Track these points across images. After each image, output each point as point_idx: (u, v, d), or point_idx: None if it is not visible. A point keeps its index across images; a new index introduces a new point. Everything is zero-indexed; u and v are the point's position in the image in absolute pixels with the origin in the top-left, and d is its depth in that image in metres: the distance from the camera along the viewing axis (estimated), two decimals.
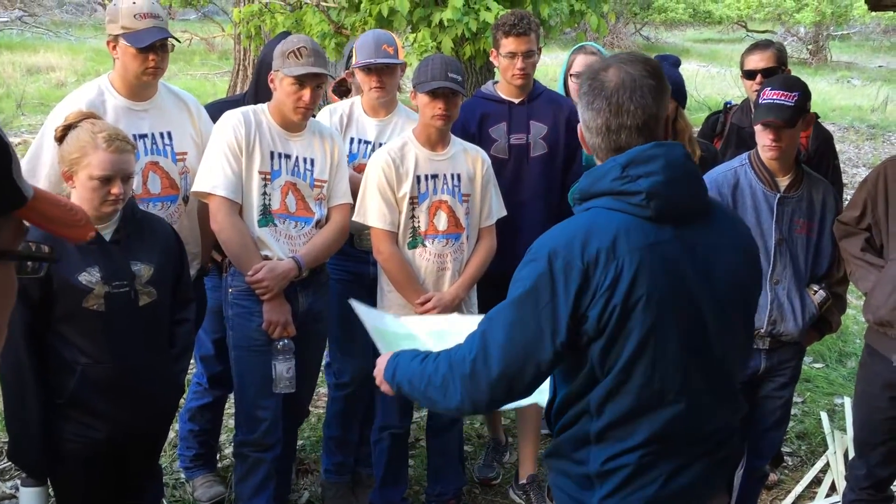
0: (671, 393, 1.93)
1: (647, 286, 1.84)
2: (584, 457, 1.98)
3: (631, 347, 1.86)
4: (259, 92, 3.63)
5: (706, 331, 1.95)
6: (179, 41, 3.30)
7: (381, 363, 2.20)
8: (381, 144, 3.61)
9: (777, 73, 3.87)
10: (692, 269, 1.92)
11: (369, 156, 3.59)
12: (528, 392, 1.97)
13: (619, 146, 1.95)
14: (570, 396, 1.97)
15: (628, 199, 1.89)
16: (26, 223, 0.92)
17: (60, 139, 2.70)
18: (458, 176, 3.39)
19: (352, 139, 3.63)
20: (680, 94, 3.52)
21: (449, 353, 1.98)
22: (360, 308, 2.60)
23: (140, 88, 3.24)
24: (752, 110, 3.94)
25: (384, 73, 3.52)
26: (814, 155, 3.82)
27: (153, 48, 3.12)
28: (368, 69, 3.52)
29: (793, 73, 3.36)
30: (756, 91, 3.89)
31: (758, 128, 3.11)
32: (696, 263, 1.93)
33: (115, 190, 2.63)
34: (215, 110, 3.48)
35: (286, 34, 3.68)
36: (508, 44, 3.64)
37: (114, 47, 3.18)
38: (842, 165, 4.98)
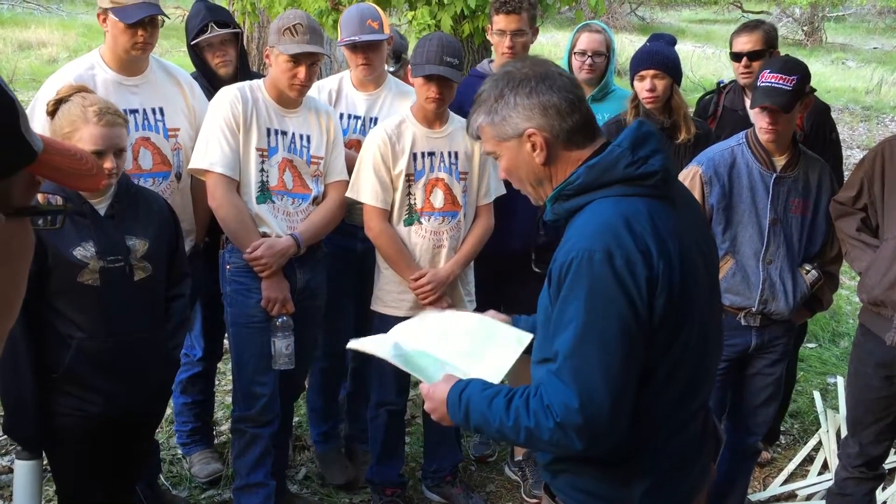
0: (713, 368, 1.94)
1: (691, 265, 1.77)
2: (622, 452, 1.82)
3: (690, 330, 1.78)
4: (244, 67, 3.71)
5: (714, 304, 1.97)
6: (168, 17, 3.26)
7: (434, 394, 1.94)
8: (371, 119, 3.60)
9: (764, 55, 3.79)
10: (699, 244, 1.90)
11: (360, 131, 3.57)
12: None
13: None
14: None
15: (645, 182, 1.78)
16: (38, 178, 0.88)
17: (52, 113, 2.67)
18: (456, 154, 3.38)
19: (341, 115, 3.60)
20: (676, 71, 3.50)
21: (546, 407, 1.74)
22: (363, 344, 2.22)
23: (130, 63, 3.21)
24: (742, 92, 3.93)
25: (370, 49, 3.49)
26: (810, 131, 3.79)
27: (142, 23, 3.09)
28: (354, 46, 3.49)
29: (787, 55, 3.32)
30: (743, 73, 3.87)
31: (755, 110, 3.10)
32: (698, 238, 1.91)
33: (108, 164, 2.61)
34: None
35: None
36: (499, 21, 3.62)
37: (104, 20, 3.15)
38: None
